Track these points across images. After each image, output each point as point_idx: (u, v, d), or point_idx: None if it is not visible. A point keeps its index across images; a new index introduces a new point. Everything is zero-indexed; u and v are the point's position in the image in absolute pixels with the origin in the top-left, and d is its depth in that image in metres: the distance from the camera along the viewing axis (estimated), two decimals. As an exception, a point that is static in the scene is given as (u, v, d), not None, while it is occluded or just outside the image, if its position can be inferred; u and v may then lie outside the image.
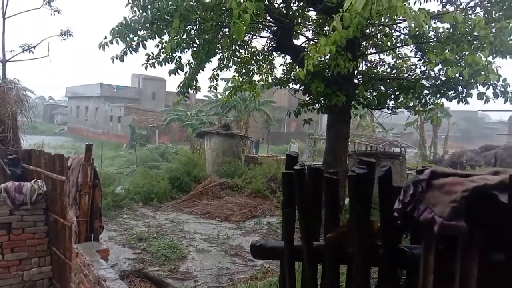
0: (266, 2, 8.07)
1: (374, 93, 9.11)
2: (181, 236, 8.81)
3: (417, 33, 6.45)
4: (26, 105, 8.42)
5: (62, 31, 11.10)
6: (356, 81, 8.80)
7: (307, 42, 9.39)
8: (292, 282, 2.27)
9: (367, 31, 8.31)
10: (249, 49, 10.24)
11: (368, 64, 9.45)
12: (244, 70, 10.38)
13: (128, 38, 7.52)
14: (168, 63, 8.25)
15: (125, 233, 8.79)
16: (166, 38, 7.70)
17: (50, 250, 5.81)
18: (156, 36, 7.68)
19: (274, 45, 9.44)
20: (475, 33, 6.21)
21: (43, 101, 65.68)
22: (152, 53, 8.12)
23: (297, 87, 9.59)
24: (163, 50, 7.84)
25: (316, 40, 8.52)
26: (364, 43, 8.95)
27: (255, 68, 10.54)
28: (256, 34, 9.76)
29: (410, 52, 8.53)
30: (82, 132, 46.13)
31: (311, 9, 8.90)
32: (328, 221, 2.09)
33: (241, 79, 10.50)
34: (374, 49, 9.31)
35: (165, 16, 7.10)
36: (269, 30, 9.13)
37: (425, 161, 25.86)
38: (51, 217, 5.70)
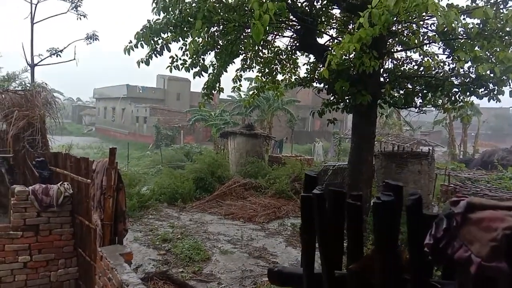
0: (289, 1, 7.97)
1: (401, 92, 8.86)
2: (205, 237, 8.82)
3: (445, 30, 6.22)
4: (54, 107, 8.62)
5: (88, 35, 11.33)
6: (382, 79, 8.59)
7: (331, 40, 9.23)
8: None
9: (393, 28, 8.09)
10: (272, 48, 10.15)
11: (395, 62, 9.21)
12: (267, 70, 10.31)
13: (152, 41, 7.56)
14: (194, 67, 8.30)
15: (150, 233, 8.87)
16: (189, 40, 7.72)
17: (76, 251, 5.91)
18: (180, 38, 7.71)
19: (297, 44, 9.32)
20: (507, 29, 5.95)
21: (72, 102, 67.66)
22: (176, 55, 8.16)
23: (321, 86, 9.45)
24: (187, 52, 7.86)
25: (340, 39, 8.36)
26: (390, 40, 8.72)
27: (278, 68, 10.45)
28: (280, 34, 9.66)
29: (438, 49, 8.26)
30: (110, 132, 47.14)
31: (335, 7, 8.73)
32: (351, 250, 1.92)
33: (264, 79, 10.43)
34: (400, 46, 9.06)
35: (188, 18, 7.11)
36: (292, 29, 9.02)
37: (454, 160, 25.11)
38: (77, 219, 5.79)
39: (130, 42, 7.36)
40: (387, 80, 8.59)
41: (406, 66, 9.14)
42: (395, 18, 4.88)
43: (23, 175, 8.02)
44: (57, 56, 10.85)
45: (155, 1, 6.96)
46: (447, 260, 1.30)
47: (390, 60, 9.08)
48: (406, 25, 8.36)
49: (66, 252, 5.87)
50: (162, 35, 7.50)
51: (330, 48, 6.86)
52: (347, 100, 8.41)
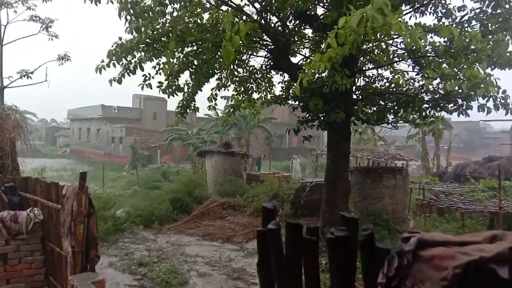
0: (262, 21, 8.09)
1: (373, 108, 9.05)
2: (183, 259, 8.64)
3: (414, 48, 6.43)
4: (26, 130, 8.41)
5: (60, 56, 11.16)
6: (354, 96, 8.76)
7: (304, 59, 9.38)
8: None
9: (364, 46, 8.30)
10: (247, 68, 10.26)
11: (366, 80, 9.43)
12: (243, 89, 10.39)
13: (125, 60, 7.51)
14: (171, 89, 8.28)
15: (126, 258, 8.63)
16: (163, 59, 7.70)
17: (47, 280, 5.66)
18: (153, 58, 7.68)
19: (271, 63, 9.44)
20: (472, 47, 6.17)
21: (46, 123, 66.16)
22: (149, 73, 8.12)
23: (296, 104, 9.55)
24: (160, 71, 7.84)
25: (312, 57, 8.52)
26: (361, 58, 8.93)
27: (254, 86, 10.56)
28: (254, 53, 9.77)
29: (408, 66, 8.52)
30: (85, 154, 46.16)
31: (307, 27, 8.91)
32: (308, 284, 1.87)
33: (240, 98, 10.48)
34: (371, 64, 9.29)
35: (161, 37, 7.11)
36: (266, 49, 9.14)
37: (428, 173, 25.63)
38: (48, 246, 5.57)
39: (102, 61, 7.29)
40: (360, 97, 8.77)
41: (378, 83, 9.37)
42: (364, 37, 5.01)
43: (-10, 202, 7.72)
44: (27, 78, 10.62)
45: (127, 21, 6.93)
46: None
47: (362, 77, 9.28)
48: (376, 43, 8.61)
49: (36, 281, 5.61)
50: (135, 54, 7.47)
51: (303, 67, 6.96)
52: (322, 118, 8.51)
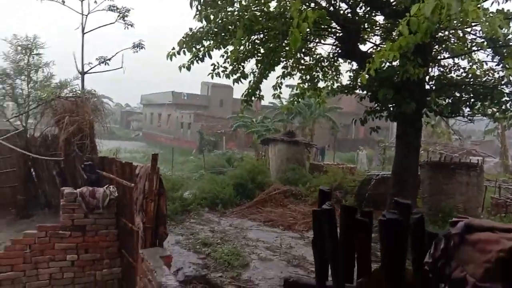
0: (331, 8, 7.93)
1: (448, 100, 8.53)
2: (244, 243, 8.87)
3: (494, 36, 5.95)
4: (103, 113, 9.04)
5: (135, 44, 11.81)
6: (427, 87, 8.31)
7: (374, 47, 9.06)
8: None
9: (439, 34, 7.81)
10: (314, 55, 10.12)
11: (441, 69, 8.88)
12: (308, 77, 10.27)
13: (194, 49, 7.78)
14: (235, 74, 8.43)
15: (191, 237, 9.04)
16: (230, 48, 7.87)
17: (120, 252, 6.14)
18: (221, 46, 7.87)
19: (339, 51, 9.23)
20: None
21: (120, 108, 70.52)
22: (217, 62, 8.34)
23: (363, 93, 9.28)
24: (228, 59, 8.01)
25: (384, 45, 8.21)
26: (436, 47, 8.43)
27: (320, 75, 10.38)
28: (321, 41, 9.61)
29: (487, 56, 7.90)
30: (156, 137, 48.66)
31: (379, 13, 8.57)
32: (360, 264, 1.96)
33: (305, 86, 10.39)
34: (447, 53, 8.73)
35: (229, 26, 7.25)
36: (335, 37, 8.95)
37: (506, 171, 23.69)
38: (121, 221, 6.03)
39: (173, 49, 7.59)
40: (433, 87, 8.30)
41: (454, 73, 8.79)
42: (439, 25, 4.73)
43: (72, 178, 8.48)
44: (105, 64, 11.40)
45: (197, 10, 7.16)
46: (445, 279, 1.33)
47: (436, 67, 8.76)
48: (451, 31, 8.07)
49: (110, 252, 6.11)
50: (204, 42, 7.69)
51: (372, 56, 6.74)
52: (391, 108, 8.20)
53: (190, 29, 7.66)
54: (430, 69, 8.33)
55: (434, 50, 8.47)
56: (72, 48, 11.78)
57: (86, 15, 12.14)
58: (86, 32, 11.29)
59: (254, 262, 7.68)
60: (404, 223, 1.64)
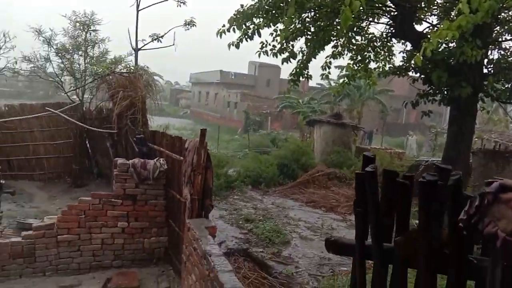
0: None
1: (507, 85, 8.02)
2: (286, 221, 8.98)
3: None
4: (154, 90, 9.32)
5: (186, 21, 11.94)
6: (485, 70, 7.85)
7: (430, 28, 8.63)
8: (362, 281, 2.31)
9: (502, 15, 7.30)
10: (366, 35, 9.80)
11: (502, 52, 8.32)
12: (359, 58, 9.98)
13: (244, 26, 7.79)
14: (283, 53, 8.37)
15: (234, 213, 9.28)
16: (280, 26, 7.80)
17: (167, 222, 6.42)
18: (271, 24, 7.82)
19: (393, 31, 8.89)
20: None
21: (170, 85, 72.20)
22: (266, 41, 8.31)
23: (416, 76, 8.92)
24: (277, 38, 7.96)
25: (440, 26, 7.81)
26: (497, 28, 7.90)
27: (372, 56, 10.05)
28: (374, 20, 9.29)
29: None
30: (203, 115, 49.59)
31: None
32: (399, 225, 2.07)
33: (355, 67, 10.12)
34: (509, 35, 8.15)
35: (280, 3, 7.17)
36: (389, 16, 8.61)
37: None
38: (170, 192, 6.29)
39: (223, 26, 7.65)
40: (491, 71, 7.82)
41: (515, 57, 8.22)
42: (502, 5, 4.41)
43: (124, 150, 8.90)
44: (158, 42, 11.67)
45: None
46: (478, 235, 1.44)
47: (496, 49, 8.23)
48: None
49: (158, 222, 6.41)
50: (254, 20, 7.67)
51: (428, 36, 6.45)
52: (445, 92, 7.85)
53: (242, 6, 7.66)
54: (489, 52, 7.85)
55: (495, 31, 7.94)
56: (127, 25, 12.08)
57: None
58: (141, 9, 11.57)
59: (294, 240, 7.78)
60: (442, 186, 1.75)
